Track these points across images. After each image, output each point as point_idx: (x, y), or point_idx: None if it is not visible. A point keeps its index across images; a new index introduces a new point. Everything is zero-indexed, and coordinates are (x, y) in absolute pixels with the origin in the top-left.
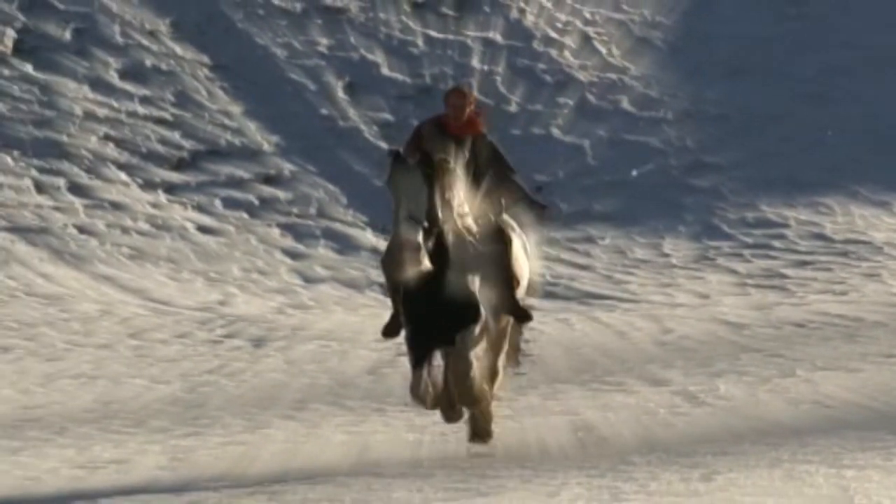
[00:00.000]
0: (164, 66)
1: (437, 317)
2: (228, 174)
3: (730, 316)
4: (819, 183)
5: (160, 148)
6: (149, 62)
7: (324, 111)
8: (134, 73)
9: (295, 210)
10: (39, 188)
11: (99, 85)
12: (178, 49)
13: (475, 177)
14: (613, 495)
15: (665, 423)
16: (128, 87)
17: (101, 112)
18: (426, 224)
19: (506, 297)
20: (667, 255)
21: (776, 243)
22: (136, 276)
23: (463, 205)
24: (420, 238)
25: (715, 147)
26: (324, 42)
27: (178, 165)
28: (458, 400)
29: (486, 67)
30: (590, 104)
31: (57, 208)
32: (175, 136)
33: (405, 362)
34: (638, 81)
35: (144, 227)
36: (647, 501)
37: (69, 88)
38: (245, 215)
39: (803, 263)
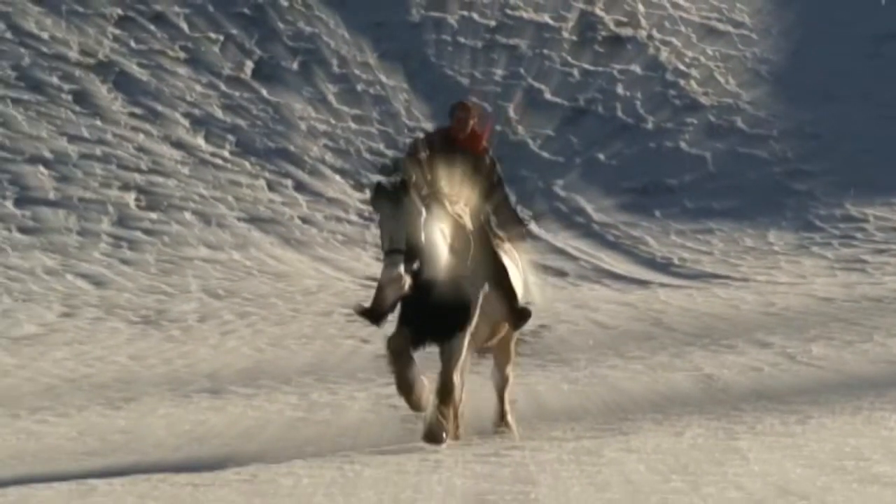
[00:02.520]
0: (371, 91)
1: (429, 320)
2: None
3: (820, 292)
4: (892, 186)
5: (367, 155)
6: (360, 87)
7: (498, 127)
8: (348, 95)
9: None
10: (271, 187)
11: (320, 105)
12: (384, 77)
13: (474, 189)
14: (728, 434)
15: (768, 377)
16: (343, 107)
17: (321, 127)
18: (405, 249)
19: (506, 306)
20: (771, 244)
21: (858, 234)
22: (347, 258)
23: (458, 210)
24: (402, 269)
25: (810, 158)
26: (499, 72)
27: (381, 170)
28: (436, 392)
29: (628, 93)
30: (711, 123)
31: (284, 203)
32: (380, 146)
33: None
34: (749, 105)
35: (354, 218)
36: (754, 440)
37: (296, 108)
38: None
39: (880, 251)
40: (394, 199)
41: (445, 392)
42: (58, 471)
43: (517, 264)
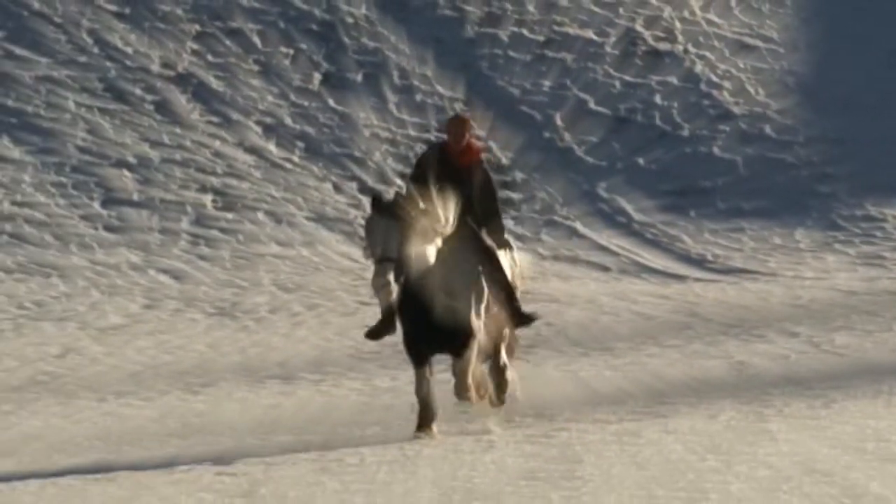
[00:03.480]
0: (430, 101)
1: (430, 328)
2: None
3: (843, 286)
4: None
5: (409, 162)
6: (419, 97)
7: (546, 134)
8: (408, 105)
9: (525, 206)
10: (337, 188)
11: (382, 113)
12: (441, 88)
13: (470, 200)
14: (758, 417)
15: (795, 364)
16: (404, 115)
17: (384, 133)
18: (395, 258)
19: (507, 306)
20: (797, 241)
21: (878, 233)
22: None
23: (448, 224)
24: (391, 277)
25: (834, 162)
26: (548, 84)
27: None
28: (457, 396)
29: (666, 103)
30: (742, 131)
31: (349, 203)
32: (418, 151)
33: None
34: (777, 114)
35: None
36: (782, 422)
37: (360, 116)
38: None
39: None
40: (389, 212)
41: (465, 398)
42: (141, 450)
43: (511, 265)
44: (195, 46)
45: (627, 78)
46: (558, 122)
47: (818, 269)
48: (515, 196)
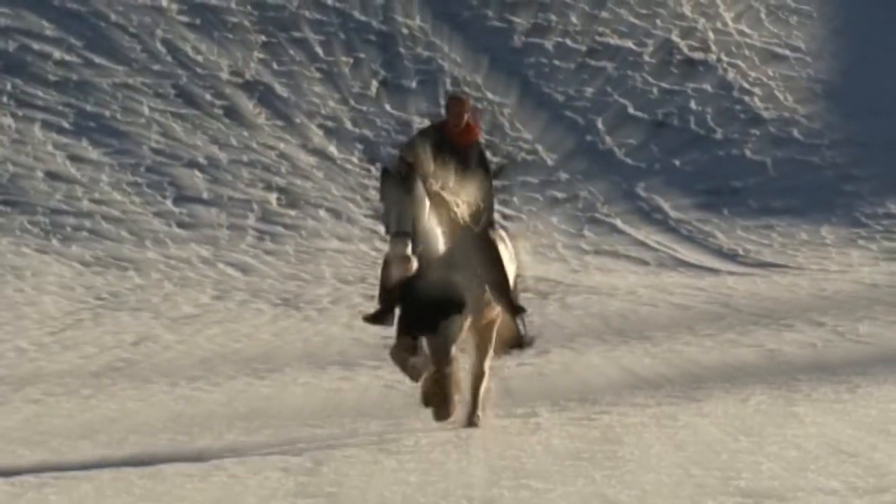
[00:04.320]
0: (479, 106)
1: (428, 307)
2: (523, 180)
3: (866, 279)
4: None
5: None
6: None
7: (588, 138)
8: None
9: (568, 204)
10: None
11: (435, 118)
12: (490, 94)
13: (468, 179)
14: (787, 401)
15: (822, 352)
16: None
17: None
18: (411, 232)
19: (502, 294)
20: (823, 237)
21: None
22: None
23: (456, 204)
24: (409, 249)
25: (858, 164)
26: (590, 91)
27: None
28: (434, 363)
29: (700, 109)
30: (771, 134)
31: None
32: (486, 153)
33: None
34: (805, 119)
35: None
36: (809, 406)
37: (415, 119)
38: (533, 208)
39: None
40: (400, 185)
41: (443, 362)
42: (211, 432)
43: (509, 252)
44: (262, 55)
45: (664, 85)
46: (600, 126)
47: (843, 263)
48: (558, 195)
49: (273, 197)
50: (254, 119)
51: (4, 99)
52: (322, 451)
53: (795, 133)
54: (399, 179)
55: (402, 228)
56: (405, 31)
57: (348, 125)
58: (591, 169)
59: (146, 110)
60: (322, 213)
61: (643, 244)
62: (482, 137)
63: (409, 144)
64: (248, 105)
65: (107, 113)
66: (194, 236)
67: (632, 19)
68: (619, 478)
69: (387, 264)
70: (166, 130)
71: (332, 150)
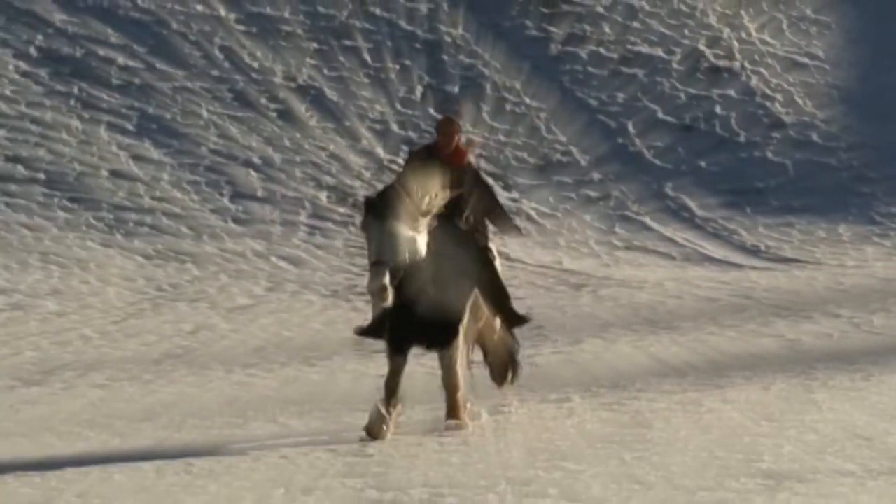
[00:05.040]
0: (517, 110)
1: (418, 319)
2: (558, 180)
3: (881, 274)
4: None
5: (514, 162)
6: (508, 107)
7: (620, 141)
8: (499, 114)
9: (601, 203)
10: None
11: (477, 121)
12: (528, 99)
13: (460, 201)
14: (805, 388)
15: (838, 342)
16: (495, 123)
17: (477, 139)
18: (390, 263)
19: (504, 307)
20: (840, 234)
21: None
22: (498, 244)
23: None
24: (387, 280)
25: (873, 166)
26: (621, 96)
27: (526, 173)
28: (445, 389)
29: (725, 113)
30: (791, 137)
31: None
32: (524, 154)
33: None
34: (823, 123)
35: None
36: (827, 393)
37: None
38: (568, 206)
39: None
40: (381, 215)
41: (452, 401)
42: (264, 416)
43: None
44: (314, 61)
45: (692, 91)
46: (631, 129)
47: (858, 258)
48: (592, 193)
49: (323, 194)
50: (306, 121)
51: (72, 102)
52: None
53: (814, 136)
54: (380, 209)
55: (381, 258)
56: (449, 39)
57: (395, 127)
58: (622, 170)
59: (205, 113)
60: None
61: (671, 240)
62: (472, 160)
63: (400, 176)
64: (300, 108)
65: (168, 115)
66: (249, 231)
67: (661, 29)
68: (648, 459)
69: (369, 294)
70: (223, 132)
71: (380, 150)
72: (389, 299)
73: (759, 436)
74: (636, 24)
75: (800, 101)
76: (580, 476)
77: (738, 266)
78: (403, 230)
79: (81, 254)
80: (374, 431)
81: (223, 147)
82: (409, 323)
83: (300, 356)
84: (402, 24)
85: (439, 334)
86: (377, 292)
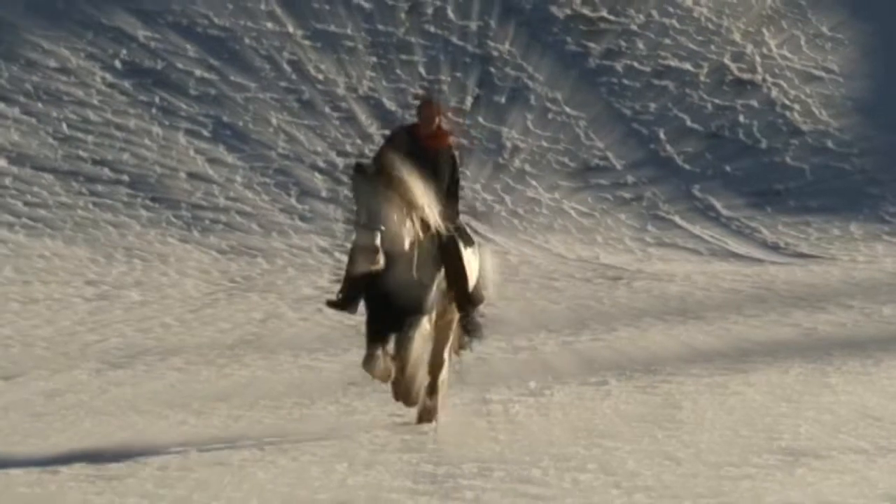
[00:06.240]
0: (559, 119)
1: (391, 308)
2: (596, 183)
3: (890, 268)
4: None
5: (556, 166)
6: (550, 116)
7: (652, 146)
8: (542, 122)
9: (634, 203)
10: (485, 188)
11: (522, 129)
12: (569, 109)
13: (437, 183)
14: (821, 373)
15: (851, 331)
16: (538, 130)
17: (522, 145)
18: (382, 228)
19: (459, 289)
20: (852, 233)
21: None
22: (541, 241)
23: (423, 208)
24: (377, 241)
25: (883, 170)
26: (653, 106)
27: (567, 176)
28: (400, 373)
29: (748, 122)
30: (808, 144)
31: (494, 200)
32: (565, 159)
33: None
34: (838, 131)
35: (545, 211)
36: (840, 377)
37: (503, 131)
38: (605, 206)
39: None
40: (372, 181)
41: (408, 370)
42: (328, 397)
43: (477, 256)
44: (373, 73)
45: (718, 101)
46: (662, 137)
47: (869, 255)
48: (626, 195)
49: None
50: (366, 129)
51: (153, 110)
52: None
53: (829, 143)
54: (370, 176)
55: (373, 222)
56: (496, 53)
57: None
58: (654, 173)
59: (274, 120)
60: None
61: (698, 237)
62: (453, 143)
63: (381, 147)
64: (361, 117)
65: (240, 122)
66: (314, 228)
67: (690, 45)
68: (679, 437)
69: (353, 254)
70: (291, 137)
71: None
72: (381, 262)
73: (780, 416)
74: (667, 41)
75: (816, 111)
76: (616, 452)
77: (760, 261)
78: (392, 203)
79: (162, 249)
80: (373, 370)
81: (291, 151)
82: (386, 312)
83: (361, 342)
84: (455, 39)
85: (409, 308)
86: (367, 251)
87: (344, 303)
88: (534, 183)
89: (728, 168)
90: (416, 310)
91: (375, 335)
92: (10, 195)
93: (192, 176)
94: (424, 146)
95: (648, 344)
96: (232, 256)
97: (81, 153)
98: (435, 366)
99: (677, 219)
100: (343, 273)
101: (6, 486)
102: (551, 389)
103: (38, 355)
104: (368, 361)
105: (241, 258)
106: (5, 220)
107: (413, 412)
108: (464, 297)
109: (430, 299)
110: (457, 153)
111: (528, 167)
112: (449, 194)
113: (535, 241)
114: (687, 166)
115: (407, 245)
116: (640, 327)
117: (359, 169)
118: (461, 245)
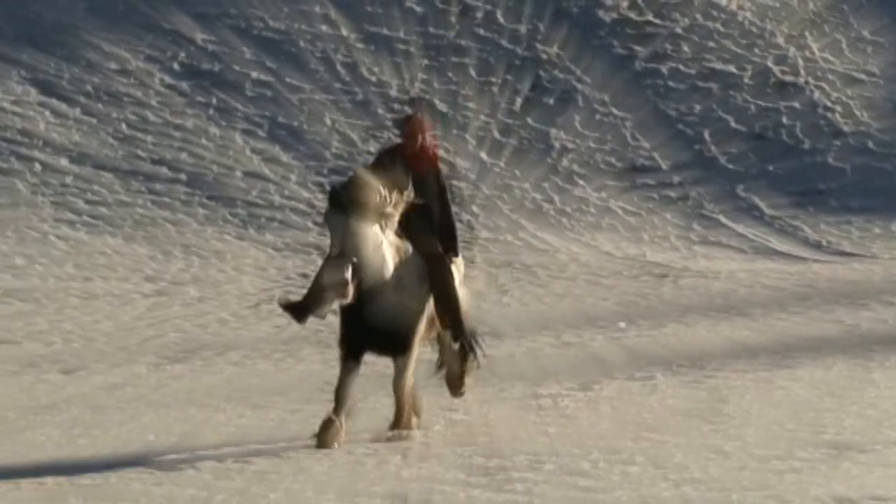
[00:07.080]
0: (606, 120)
1: (370, 330)
2: (642, 182)
3: None
4: None
5: (602, 166)
6: (598, 117)
7: (697, 147)
8: (589, 123)
9: (680, 203)
10: (533, 187)
11: (569, 129)
12: (616, 110)
13: (426, 205)
14: (864, 368)
15: (893, 327)
16: (585, 131)
17: (570, 145)
18: (354, 260)
19: (452, 319)
20: (892, 231)
21: None
22: (588, 239)
23: (394, 204)
24: (348, 274)
25: None
26: (698, 107)
27: (615, 176)
28: (395, 396)
29: (791, 123)
30: (850, 145)
31: (543, 199)
32: (612, 160)
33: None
34: (878, 132)
35: (593, 210)
36: (883, 372)
37: (551, 131)
38: (651, 206)
39: None
40: (346, 210)
41: (398, 411)
42: (382, 390)
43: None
44: (425, 75)
45: (761, 103)
46: (707, 138)
47: None
48: (657, 196)
49: None
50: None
51: (211, 111)
52: (475, 407)
53: (870, 144)
54: (346, 204)
55: (345, 253)
56: (545, 56)
57: (497, 135)
58: (699, 174)
59: (328, 121)
60: (475, 208)
61: (742, 236)
62: (439, 161)
63: (355, 171)
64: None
65: (295, 123)
66: None
67: (734, 49)
68: (725, 431)
69: (322, 288)
70: (345, 137)
71: (483, 155)
72: (350, 295)
73: (824, 410)
74: (712, 44)
75: (858, 113)
76: (664, 446)
77: (803, 259)
78: (367, 228)
79: (219, 246)
80: (323, 440)
81: (344, 151)
82: (362, 327)
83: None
84: (505, 43)
85: (392, 341)
86: (336, 286)
87: (298, 310)
88: (582, 183)
89: (771, 168)
90: (403, 346)
91: (352, 353)
92: (72, 194)
93: (248, 175)
94: (409, 167)
95: (694, 340)
96: (287, 253)
97: (140, 153)
98: (399, 396)
99: (722, 218)
100: (310, 288)
101: (68, 479)
102: (600, 384)
103: (99, 350)
104: (344, 383)
105: (296, 255)
106: (67, 218)
107: (462, 410)
108: (457, 325)
109: (417, 330)
110: (443, 173)
111: (576, 167)
112: (442, 216)
113: (584, 239)
114: (731, 166)
115: (389, 269)
116: (686, 323)
117: (332, 197)
118: (454, 270)
